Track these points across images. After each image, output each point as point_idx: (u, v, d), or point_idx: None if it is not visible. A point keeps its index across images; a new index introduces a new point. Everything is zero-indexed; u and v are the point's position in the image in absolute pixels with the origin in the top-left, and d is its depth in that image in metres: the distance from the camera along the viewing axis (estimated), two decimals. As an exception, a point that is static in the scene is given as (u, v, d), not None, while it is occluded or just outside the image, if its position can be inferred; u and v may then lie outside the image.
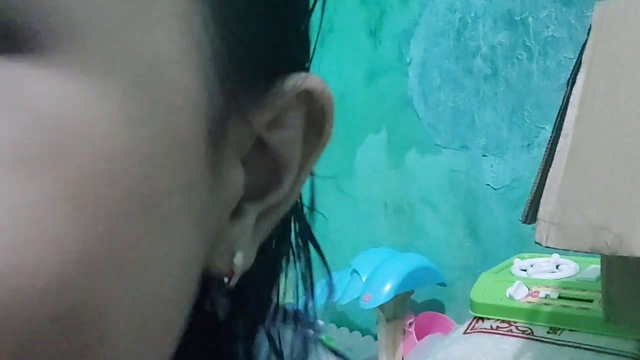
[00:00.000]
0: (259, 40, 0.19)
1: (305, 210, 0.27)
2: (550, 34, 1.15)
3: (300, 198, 0.26)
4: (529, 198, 0.57)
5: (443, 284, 1.29)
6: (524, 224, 0.58)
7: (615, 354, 0.76)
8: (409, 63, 1.43)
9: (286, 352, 0.28)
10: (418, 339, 1.20)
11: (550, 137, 0.56)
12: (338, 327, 1.60)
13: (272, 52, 0.20)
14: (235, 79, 0.18)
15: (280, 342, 0.27)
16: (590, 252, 0.44)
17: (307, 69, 0.23)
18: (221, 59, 0.18)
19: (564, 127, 0.49)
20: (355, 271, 1.25)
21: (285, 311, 0.29)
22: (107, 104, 0.15)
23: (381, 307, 1.20)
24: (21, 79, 0.14)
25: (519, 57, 1.20)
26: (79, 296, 0.14)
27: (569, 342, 0.80)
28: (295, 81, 0.20)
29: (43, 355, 0.14)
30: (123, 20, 0.15)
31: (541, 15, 1.16)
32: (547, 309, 0.85)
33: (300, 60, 0.22)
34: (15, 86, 0.14)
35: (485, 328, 0.88)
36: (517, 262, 1.01)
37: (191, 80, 0.17)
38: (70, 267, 0.14)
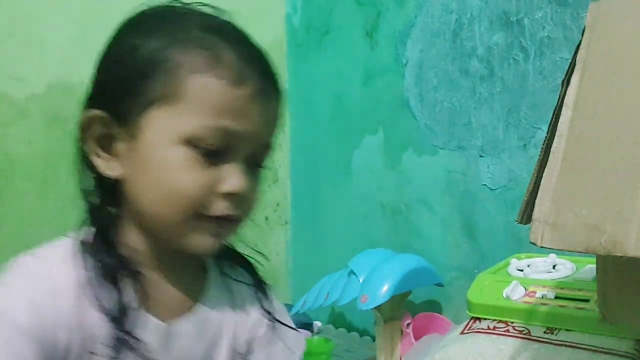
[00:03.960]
0: None
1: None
2: (546, 34, 1.15)
3: None
4: (525, 198, 0.57)
5: (440, 285, 1.29)
6: (520, 224, 0.58)
7: (612, 354, 0.77)
8: (405, 64, 1.44)
9: None
10: (415, 339, 1.20)
11: (545, 137, 0.56)
12: (336, 328, 1.61)
13: None
14: None
15: None
16: (585, 252, 0.45)
17: None
18: None
19: (558, 128, 0.49)
20: (352, 272, 1.25)
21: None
22: None
23: (379, 308, 1.20)
24: None
25: (515, 57, 1.20)
26: None
27: (566, 341, 0.80)
28: None
29: None
30: None
31: (537, 16, 1.16)
32: (544, 309, 0.85)
33: None
34: None
35: (482, 328, 0.88)
36: (514, 262, 1.01)
37: None
38: None
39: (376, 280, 1.18)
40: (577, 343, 0.79)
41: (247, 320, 0.72)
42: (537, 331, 0.84)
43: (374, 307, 1.17)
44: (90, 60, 0.70)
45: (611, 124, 0.47)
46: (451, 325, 1.21)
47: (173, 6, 0.66)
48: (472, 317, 0.92)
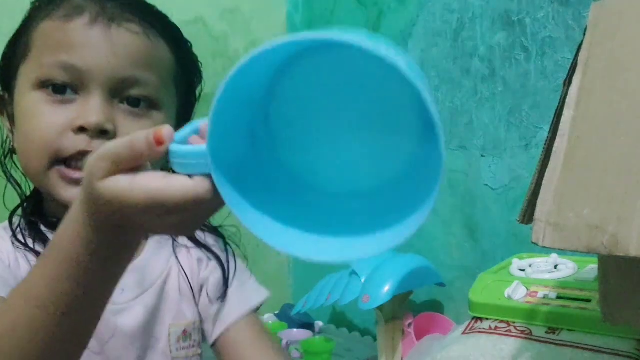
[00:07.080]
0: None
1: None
2: (547, 34, 1.15)
3: None
4: (526, 198, 0.57)
5: (442, 285, 1.29)
6: (522, 224, 0.58)
7: (614, 354, 0.76)
8: (407, 64, 1.43)
9: None
10: (417, 339, 1.20)
11: (547, 137, 0.56)
12: (337, 327, 1.60)
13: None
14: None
15: None
16: (587, 252, 0.45)
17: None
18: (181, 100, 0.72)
19: (560, 128, 0.49)
20: (354, 272, 1.25)
21: None
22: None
23: (380, 308, 1.20)
24: None
25: (517, 57, 1.20)
26: None
27: (568, 342, 0.80)
28: None
29: None
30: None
31: (539, 16, 1.16)
32: (546, 309, 0.85)
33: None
34: None
35: (483, 328, 0.88)
36: (516, 262, 1.01)
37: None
38: None
39: (378, 280, 1.18)
40: (579, 343, 0.79)
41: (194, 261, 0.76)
42: (539, 331, 0.83)
43: (376, 307, 1.17)
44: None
45: (613, 124, 0.46)
46: (453, 325, 1.21)
47: None
48: (473, 317, 0.92)
